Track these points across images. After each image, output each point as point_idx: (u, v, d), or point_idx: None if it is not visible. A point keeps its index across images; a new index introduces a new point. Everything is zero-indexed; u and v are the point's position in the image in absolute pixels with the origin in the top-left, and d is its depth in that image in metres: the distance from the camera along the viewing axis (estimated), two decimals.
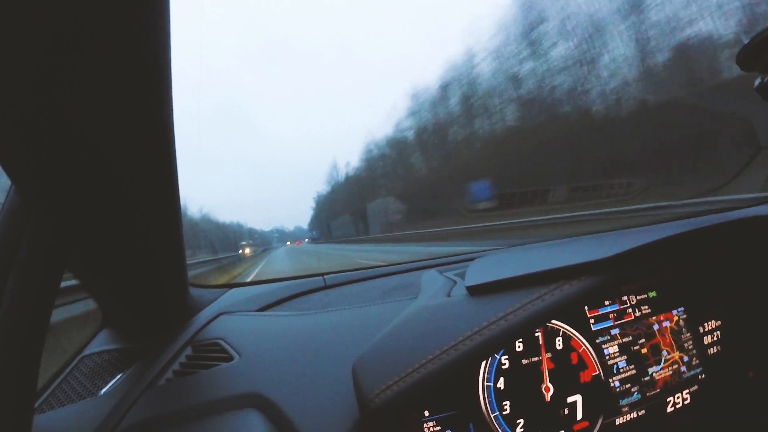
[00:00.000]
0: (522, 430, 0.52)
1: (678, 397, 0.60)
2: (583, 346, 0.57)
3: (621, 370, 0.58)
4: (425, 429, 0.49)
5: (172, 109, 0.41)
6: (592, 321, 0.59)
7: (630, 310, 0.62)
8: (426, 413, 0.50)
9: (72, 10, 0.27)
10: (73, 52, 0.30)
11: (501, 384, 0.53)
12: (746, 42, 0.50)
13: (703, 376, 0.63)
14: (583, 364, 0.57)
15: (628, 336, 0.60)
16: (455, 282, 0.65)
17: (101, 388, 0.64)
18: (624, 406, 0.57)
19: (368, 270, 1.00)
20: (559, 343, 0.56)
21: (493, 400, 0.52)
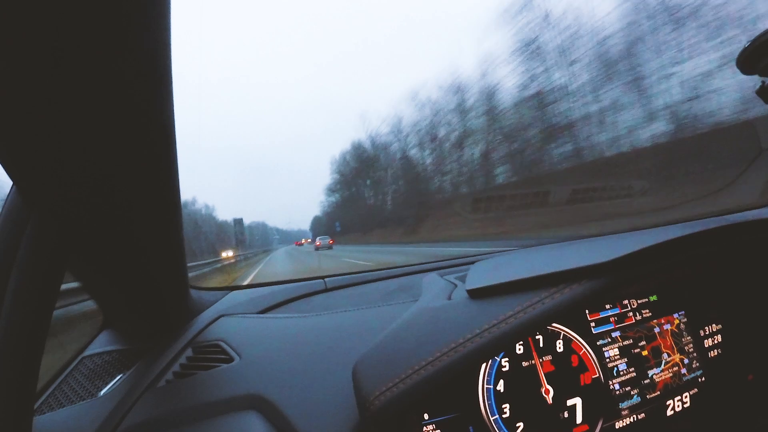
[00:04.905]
0: None
1: (678, 400, 0.60)
2: (584, 349, 0.57)
3: (621, 373, 0.58)
4: None
5: (172, 110, 0.41)
6: (592, 324, 0.59)
7: (631, 313, 0.62)
8: (426, 416, 0.50)
9: (72, 10, 0.27)
10: (73, 52, 0.30)
11: (501, 386, 0.53)
12: (746, 45, 0.49)
13: (704, 378, 0.63)
14: (583, 367, 0.57)
15: (628, 338, 0.60)
16: (456, 285, 0.65)
17: (101, 389, 0.64)
18: (624, 409, 0.57)
19: (369, 273, 1.00)
20: (559, 346, 0.56)
21: (493, 403, 0.52)
